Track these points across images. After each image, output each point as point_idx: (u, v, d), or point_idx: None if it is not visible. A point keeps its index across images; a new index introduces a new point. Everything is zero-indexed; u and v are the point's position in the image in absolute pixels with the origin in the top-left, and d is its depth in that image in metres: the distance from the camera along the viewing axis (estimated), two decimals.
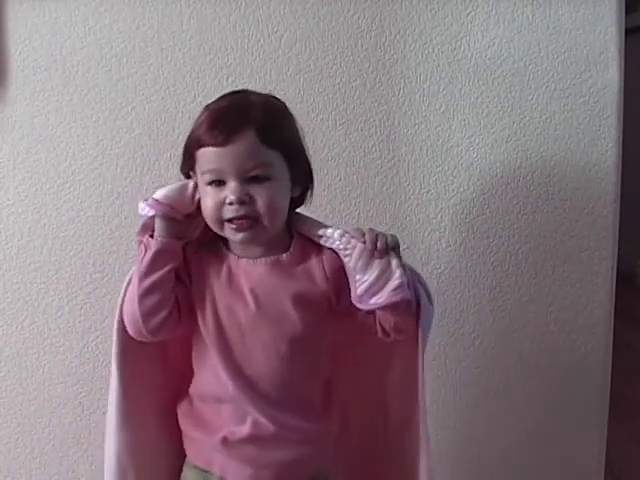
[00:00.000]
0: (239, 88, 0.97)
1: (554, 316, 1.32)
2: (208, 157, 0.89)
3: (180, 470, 1.02)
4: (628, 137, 1.32)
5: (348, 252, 0.91)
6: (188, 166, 0.95)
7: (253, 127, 0.88)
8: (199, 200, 0.93)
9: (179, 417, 1.00)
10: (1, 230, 1.27)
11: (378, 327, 0.96)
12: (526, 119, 1.27)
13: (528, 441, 1.34)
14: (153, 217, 0.93)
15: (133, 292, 0.92)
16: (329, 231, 0.94)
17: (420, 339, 0.95)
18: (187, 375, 1.00)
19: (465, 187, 1.28)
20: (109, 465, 0.98)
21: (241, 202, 0.88)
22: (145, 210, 0.92)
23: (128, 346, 0.96)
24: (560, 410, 1.34)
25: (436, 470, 1.34)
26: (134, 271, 0.94)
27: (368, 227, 0.93)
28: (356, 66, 1.25)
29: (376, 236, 0.91)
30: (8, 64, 1.23)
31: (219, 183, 0.89)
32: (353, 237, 0.91)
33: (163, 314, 0.91)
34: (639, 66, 2.04)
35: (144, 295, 0.90)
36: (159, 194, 0.92)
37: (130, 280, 0.95)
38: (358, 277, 0.91)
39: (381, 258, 0.90)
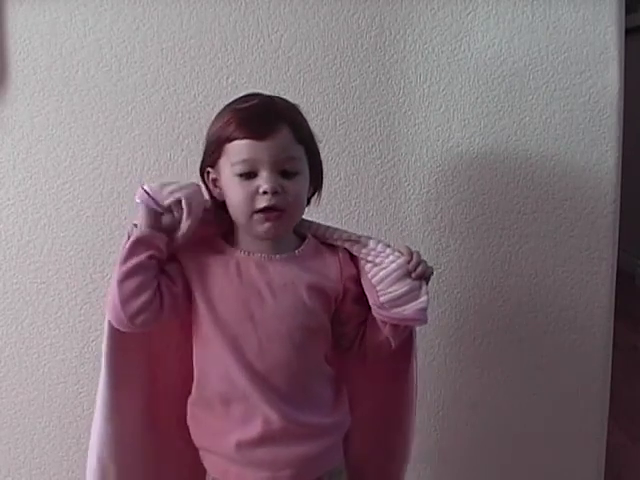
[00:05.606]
0: (241, 89, 0.98)
1: (554, 316, 1.32)
2: (243, 149, 0.92)
3: (166, 474, 1.04)
4: (628, 137, 1.32)
5: (380, 260, 0.97)
6: (211, 160, 0.96)
7: (287, 123, 0.93)
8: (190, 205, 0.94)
9: (190, 430, 1.00)
10: (1, 230, 1.27)
11: (357, 342, 1.01)
12: (526, 119, 1.27)
13: (528, 441, 1.34)
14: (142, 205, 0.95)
15: (113, 278, 0.93)
16: (372, 241, 0.99)
17: (413, 358, 1.02)
18: (177, 376, 1.01)
19: (465, 187, 1.28)
20: (91, 461, 0.99)
21: (274, 192, 0.91)
22: (136, 196, 0.95)
23: (118, 342, 0.96)
24: (560, 410, 1.34)
25: (436, 470, 1.34)
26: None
27: (416, 250, 0.99)
28: (356, 66, 1.25)
29: (420, 260, 0.98)
30: (8, 64, 1.23)
31: (249, 175, 0.92)
32: (398, 250, 0.98)
33: (142, 299, 0.91)
34: (639, 66, 2.04)
35: (122, 280, 0.91)
36: (148, 184, 0.95)
37: None
38: (381, 287, 0.96)
39: (415, 280, 0.96)
